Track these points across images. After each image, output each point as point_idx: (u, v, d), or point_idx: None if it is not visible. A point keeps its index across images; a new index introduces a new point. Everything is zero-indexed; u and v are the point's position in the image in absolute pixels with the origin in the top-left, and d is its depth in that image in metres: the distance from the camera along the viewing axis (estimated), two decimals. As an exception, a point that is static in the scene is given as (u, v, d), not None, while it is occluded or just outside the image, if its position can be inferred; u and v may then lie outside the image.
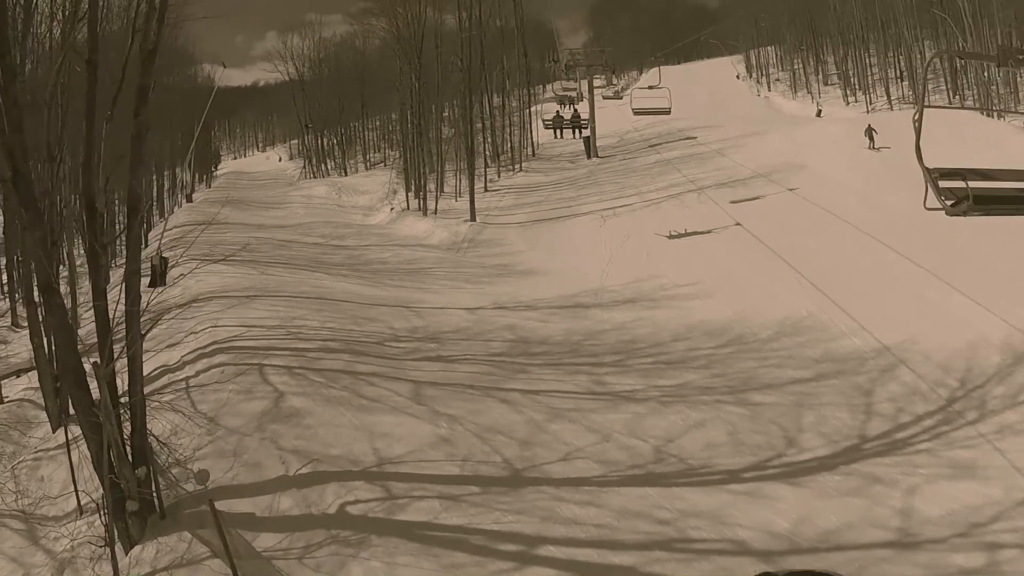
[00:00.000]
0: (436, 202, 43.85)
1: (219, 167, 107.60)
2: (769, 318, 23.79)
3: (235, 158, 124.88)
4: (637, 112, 43.62)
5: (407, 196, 47.50)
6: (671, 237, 33.60)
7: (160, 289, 31.00)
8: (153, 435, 16.55)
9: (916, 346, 21.28)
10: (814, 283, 25.36)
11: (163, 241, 45.27)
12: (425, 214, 43.15)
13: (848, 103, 69.66)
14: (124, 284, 15.92)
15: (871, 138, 41.09)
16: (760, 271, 27.51)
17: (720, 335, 22.92)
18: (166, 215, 61.51)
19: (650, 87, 41.25)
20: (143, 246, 40.29)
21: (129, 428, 15.09)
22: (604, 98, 55.93)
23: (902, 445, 16.80)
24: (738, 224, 33.20)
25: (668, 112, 43.62)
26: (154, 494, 14.91)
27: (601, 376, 20.15)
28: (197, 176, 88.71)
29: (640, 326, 23.88)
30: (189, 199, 66.57)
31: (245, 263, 33.40)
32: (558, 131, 52.20)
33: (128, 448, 14.83)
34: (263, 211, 54.43)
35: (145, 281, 32.67)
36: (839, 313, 23.39)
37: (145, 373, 22.48)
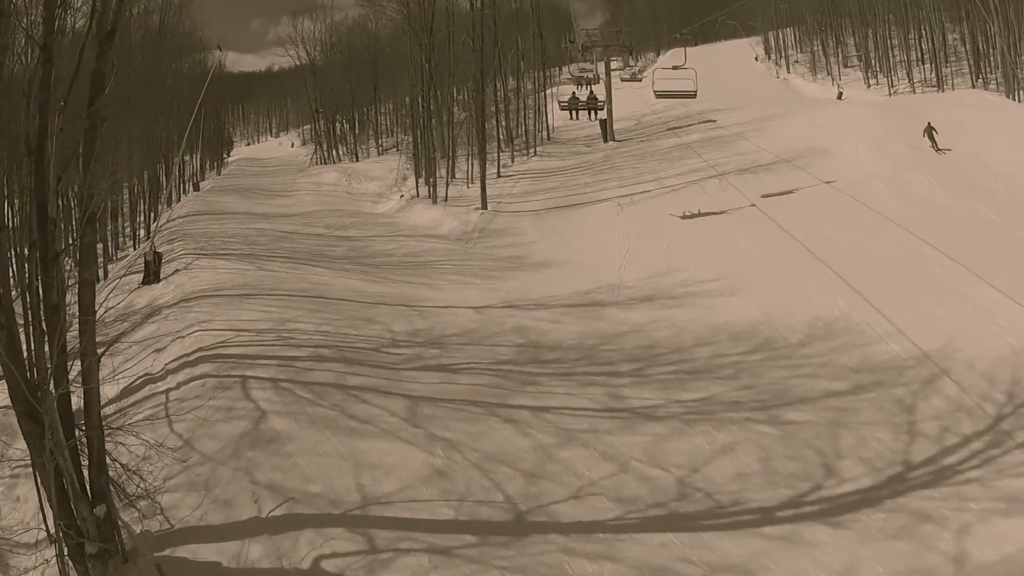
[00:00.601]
0: (447, 189, 41.63)
1: (231, 153, 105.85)
2: (799, 319, 21.63)
3: (248, 144, 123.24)
4: (659, 95, 39.51)
5: (416, 183, 45.28)
6: (684, 217, 32.25)
7: (147, 287, 29.75)
8: (120, 464, 14.67)
9: (958, 353, 19.29)
10: (845, 279, 23.27)
11: (164, 232, 43.74)
12: (435, 202, 40.96)
13: (869, 85, 66.87)
14: (78, 298, 13.77)
15: (932, 138, 35.51)
16: (787, 265, 25.36)
17: (747, 339, 20.76)
18: (173, 204, 59.54)
19: (674, 67, 37.36)
20: (150, 237, 38.77)
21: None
22: (622, 80, 53.38)
23: (950, 473, 14.89)
24: (753, 205, 31.66)
25: (694, 96, 39.19)
26: (116, 536, 12.96)
27: (618, 388, 18.05)
28: (209, 162, 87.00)
29: (660, 328, 21.72)
30: (196, 187, 64.57)
31: (244, 257, 31.51)
32: (574, 112, 49.55)
33: (87, 484, 12.89)
34: (270, 199, 52.43)
35: (138, 278, 31.30)
36: (874, 314, 21.29)
37: (127, 382, 20.83)
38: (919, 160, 34.29)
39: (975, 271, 22.93)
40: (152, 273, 30.48)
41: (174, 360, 20.60)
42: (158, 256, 31.24)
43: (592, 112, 48.98)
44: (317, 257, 31.65)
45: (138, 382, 20.15)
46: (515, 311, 23.80)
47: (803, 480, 14.47)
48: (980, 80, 55.00)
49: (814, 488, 14.28)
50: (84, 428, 13.33)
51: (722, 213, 32.23)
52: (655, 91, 38.28)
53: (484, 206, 37.73)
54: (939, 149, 34.28)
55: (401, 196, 45.64)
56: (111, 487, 13.46)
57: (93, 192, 13.95)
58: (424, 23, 41.87)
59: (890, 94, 61.25)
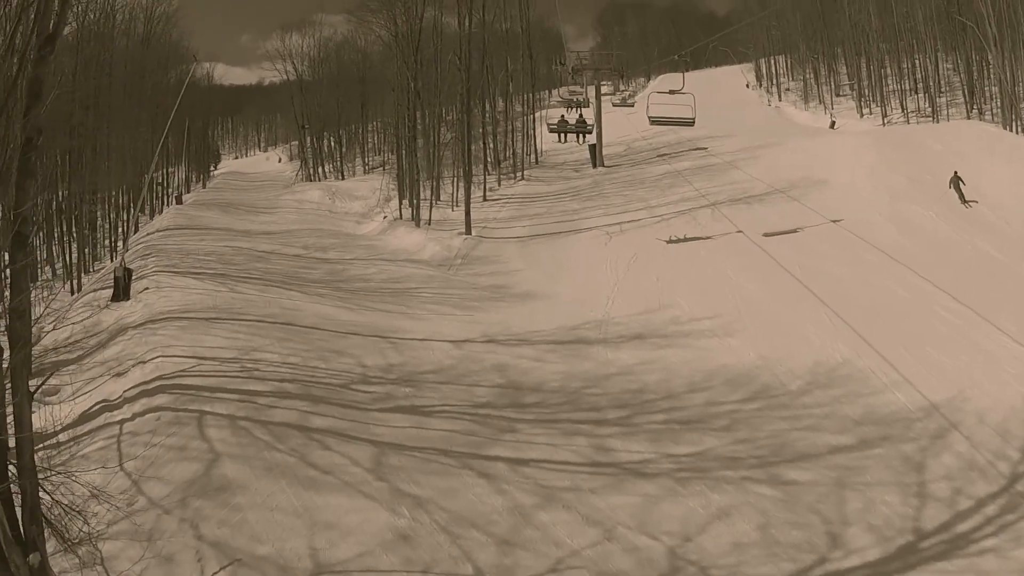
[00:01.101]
0: (430, 212, 40.04)
1: (219, 166, 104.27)
2: (799, 364, 20.15)
3: (236, 157, 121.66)
4: (654, 121, 36.01)
5: (400, 204, 43.68)
6: (670, 242, 31.47)
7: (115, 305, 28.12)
8: (63, 505, 13.04)
9: (968, 404, 17.88)
10: (847, 320, 21.86)
11: (140, 246, 42.06)
12: (418, 225, 39.37)
13: (862, 115, 65.78)
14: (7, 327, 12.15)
15: (958, 189, 31.80)
16: (785, 303, 23.95)
17: (743, 385, 19.23)
18: (154, 217, 57.90)
19: (671, 92, 34.44)
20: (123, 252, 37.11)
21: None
22: (613, 105, 52.04)
23: (964, 543, 13.45)
24: (740, 232, 30.97)
25: (691, 123, 36.39)
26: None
27: (604, 439, 16.48)
28: (195, 175, 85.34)
29: (650, 371, 20.16)
30: (180, 200, 62.82)
31: (216, 277, 29.92)
32: (562, 135, 48.20)
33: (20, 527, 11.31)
34: (251, 215, 50.77)
35: (108, 293, 29.68)
36: (877, 360, 19.90)
37: (84, 408, 19.20)
38: (917, 192, 33.05)
39: (982, 314, 21.58)
40: (121, 290, 28.92)
41: (133, 387, 19.09)
42: (128, 272, 29.64)
43: (580, 136, 47.72)
44: (292, 280, 30.04)
45: (95, 408, 18.69)
46: (496, 347, 22.24)
47: (807, 551, 12.95)
48: (975, 110, 53.91)
49: (819, 561, 12.77)
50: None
51: (708, 239, 31.37)
52: (650, 117, 35.45)
53: (468, 231, 36.22)
54: (966, 201, 31.37)
55: (384, 217, 44.07)
56: (51, 529, 11.97)
57: (24, 213, 12.36)
58: (411, 40, 40.34)
59: (884, 123, 60.18)
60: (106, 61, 50.79)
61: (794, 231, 29.83)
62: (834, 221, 30.02)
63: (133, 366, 20.45)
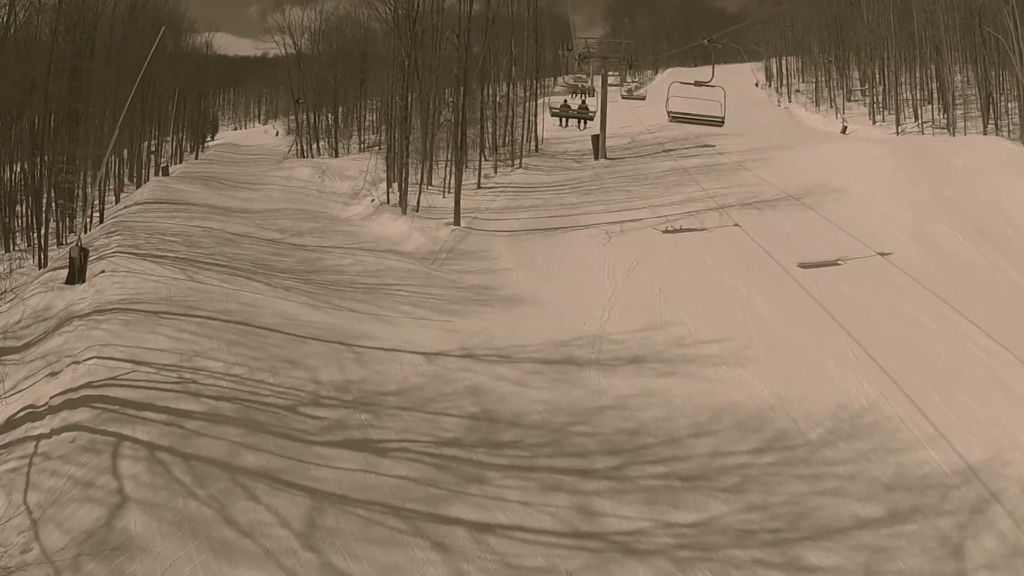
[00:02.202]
0: (419, 198, 36.83)
1: (216, 137, 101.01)
2: (819, 406, 17.14)
3: (235, 128, 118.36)
4: (674, 118, 28.44)
5: (388, 188, 40.45)
6: (666, 233, 30.04)
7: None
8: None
9: (1008, 468, 14.93)
10: (871, 353, 18.91)
11: (110, 222, 38.88)
12: (404, 211, 36.16)
13: (875, 122, 62.69)
14: None
15: None
16: (801, 328, 20.95)
17: (756, 431, 16.21)
18: (131, 190, 54.75)
19: (696, 83, 27.81)
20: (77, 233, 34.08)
21: None
22: (622, 97, 48.73)
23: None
24: (736, 225, 29.22)
25: (720, 123, 29.09)
26: None
27: (590, 498, 13.47)
28: (189, 146, 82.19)
29: (648, 405, 17.13)
30: (165, 172, 59.49)
31: (180, 261, 26.86)
32: (563, 120, 46.18)
33: None
34: (235, 191, 47.60)
35: (64, 274, 26.66)
36: (906, 405, 16.95)
37: (12, 412, 16.31)
38: (940, 209, 30.07)
39: (1018, 355, 18.61)
40: (77, 271, 25.87)
41: (60, 394, 16.11)
42: (84, 253, 26.50)
43: (582, 121, 45.57)
44: (260, 268, 26.95)
45: (21, 415, 15.76)
46: (473, 363, 19.19)
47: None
48: (992, 125, 50.98)
49: None
50: None
51: (703, 230, 29.73)
52: (669, 112, 28.21)
53: (457, 222, 33.12)
54: None
55: (372, 201, 40.91)
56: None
57: None
58: (410, 12, 36.98)
59: (897, 132, 57.13)
60: (88, 25, 47.71)
61: (835, 263, 25.50)
62: (882, 254, 25.85)
63: (68, 365, 17.55)
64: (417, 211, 36.15)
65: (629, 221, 31.96)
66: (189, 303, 21.96)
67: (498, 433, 15.59)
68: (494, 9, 49.63)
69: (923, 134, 55.98)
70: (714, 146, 46.73)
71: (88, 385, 16.29)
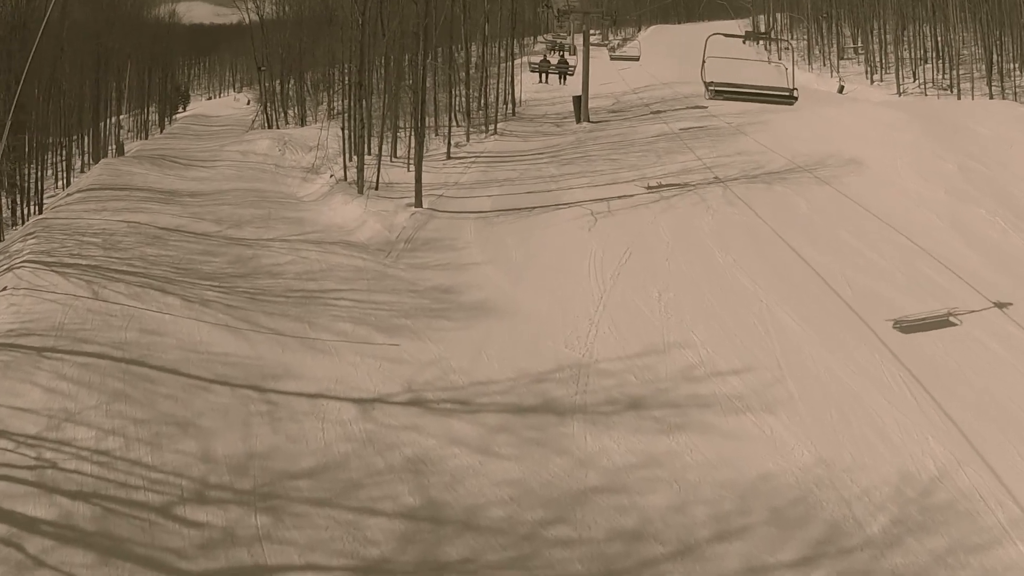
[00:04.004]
0: (378, 174, 31.25)
1: (188, 108, 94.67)
2: (877, 475, 12.25)
3: (209, 98, 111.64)
4: (718, 93, 18.94)
5: (344, 163, 34.82)
6: (649, 189, 27.11)
7: None
8: None
9: None
10: (928, 388, 13.89)
11: (36, 219, 33.47)
12: (361, 191, 30.62)
13: (872, 82, 57.14)
14: None
15: None
16: (838, 350, 15.95)
17: (799, 524, 11.25)
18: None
19: (748, 35, 23.63)
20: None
21: None
22: (611, 58, 42.83)
23: None
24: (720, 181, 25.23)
25: (791, 100, 19.63)
26: None
27: None
28: (157, 119, 76.27)
29: (653, 485, 12.08)
30: (120, 151, 53.62)
31: (91, 270, 21.70)
32: (543, 76, 42.83)
33: None
34: (185, 171, 41.92)
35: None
36: (983, 472, 11.99)
37: None
38: (973, 188, 24.97)
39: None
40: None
41: None
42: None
43: (562, 77, 42.11)
44: (181, 275, 21.70)
45: None
46: (420, 415, 14.09)
47: None
48: (998, 87, 45.70)
49: None
50: None
51: (686, 186, 26.72)
52: (710, 85, 18.52)
53: (418, 203, 27.71)
54: None
55: (331, 176, 35.41)
56: None
57: None
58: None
59: (899, 94, 51.67)
60: None
61: (946, 318, 16.97)
62: (999, 305, 17.22)
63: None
64: (376, 189, 30.68)
65: (617, 198, 26.69)
66: (82, 334, 16.86)
67: (443, 547, 10.51)
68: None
69: (926, 96, 50.58)
70: (706, 107, 41.25)
71: None
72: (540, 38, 67.66)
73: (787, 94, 19.25)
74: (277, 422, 13.67)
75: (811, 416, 13.75)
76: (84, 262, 22.69)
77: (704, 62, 17.80)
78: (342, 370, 15.74)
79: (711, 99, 19.02)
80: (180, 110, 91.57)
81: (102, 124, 59.15)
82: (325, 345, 17.03)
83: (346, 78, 41.16)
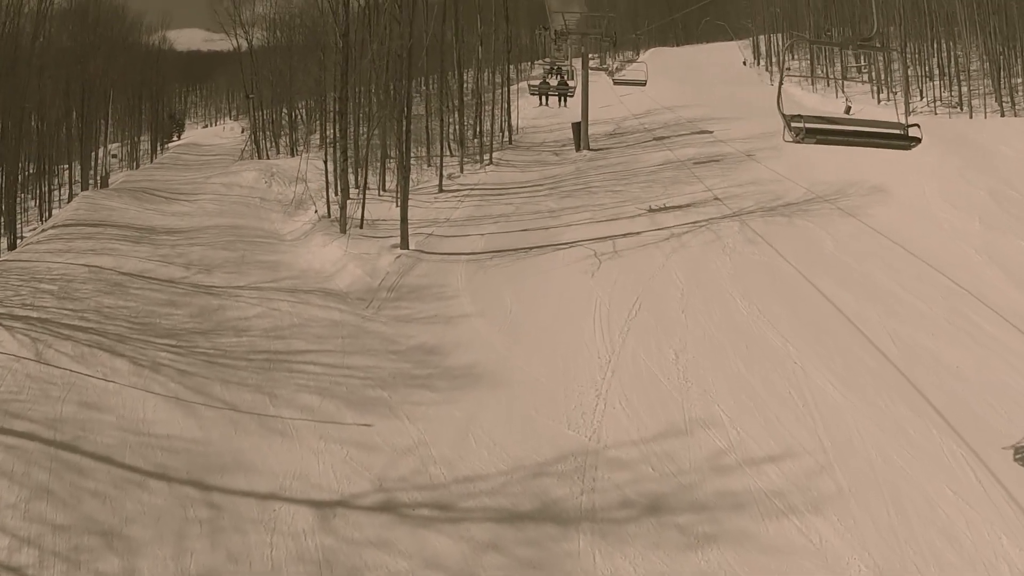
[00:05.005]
0: (362, 212, 28.50)
1: (183, 136, 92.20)
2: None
3: (205, 126, 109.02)
4: (809, 133, 11.90)
5: (327, 198, 32.13)
6: (651, 211, 25.81)
7: None
8: None
9: None
10: (997, 475, 11.22)
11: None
12: (344, 229, 27.90)
13: (879, 101, 54.55)
14: None
15: None
16: (889, 425, 13.25)
17: None
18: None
19: (858, 45, 16.73)
20: None
21: None
22: (615, 83, 40.22)
23: None
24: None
25: (907, 145, 13.04)
26: None
27: None
28: (152, 146, 73.81)
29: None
30: (104, 183, 51.01)
31: (39, 324, 19.08)
32: (543, 98, 39.68)
33: None
34: (166, 205, 39.32)
35: None
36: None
37: None
38: (1007, 215, 22.23)
39: None
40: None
41: None
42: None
43: (563, 99, 38.80)
44: (135, 332, 19.02)
45: None
46: (391, 525, 11.35)
47: None
48: (1008, 103, 43.16)
49: None
50: None
51: (689, 206, 25.22)
52: (794, 123, 12.02)
53: (404, 244, 25.01)
54: None
55: (316, 211, 32.76)
56: None
57: None
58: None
59: (908, 113, 48.84)
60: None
61: None
62: None
63: None
64: (361, 227, 27.97)
65: (622, 236, 24.01)
66: (15, 406, 14.36)
67: None
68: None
69: (936, 115, 47.97)
70: (712, 132, 38.83)
71: None
72: (538, 62, 65.37)
73: (903, 135, 12.87)
74: (218, 533, 10.97)
75: (866, 516, 11.02)
76: (35, 314, 20.06)
77: (781, 84, 12.95)
78: (302, 461, 13.01)
79: (796, 140, 12.11)
80: (175, 138, 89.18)
81: (93, 153, 56.92)
82: (285, 425, 14.30)
83: (335, 105, 38.62)
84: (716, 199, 26.46)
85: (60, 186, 52.33)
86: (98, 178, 52.33)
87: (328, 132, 41.14)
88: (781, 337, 16.30)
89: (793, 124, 11.81)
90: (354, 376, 16.37)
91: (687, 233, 23.42)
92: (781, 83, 13.14)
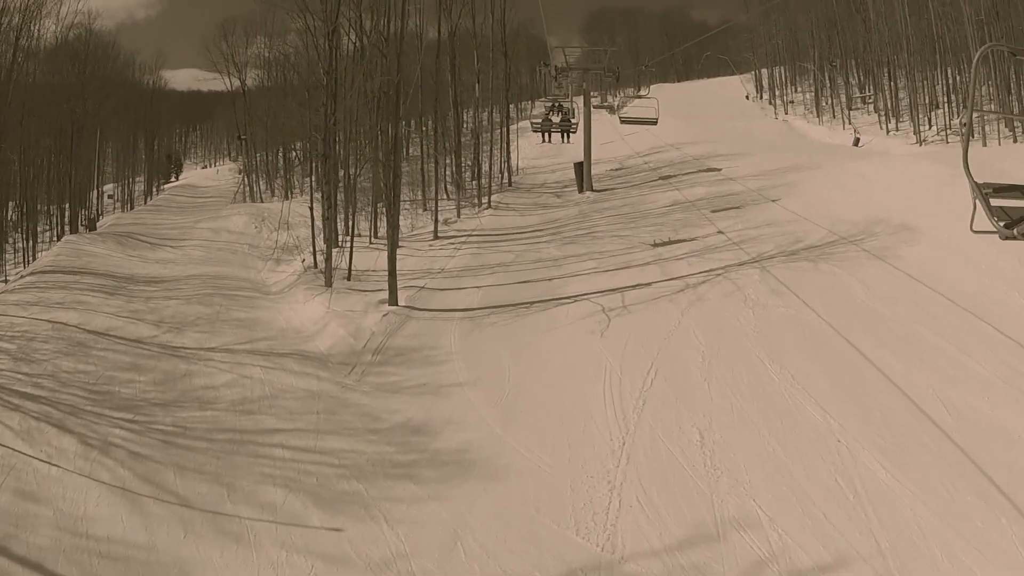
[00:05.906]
0: (350, 263, 26.35)
1: (180, 176, 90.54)
2: None
3: (204, 167, 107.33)
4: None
5: (313, 247, 29.97)
6: (656, 245, 25.08)
7: None
8: None
9: None
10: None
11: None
12: (328, 283, 25.71)
13: (888, 131, 52.75)
14: None
15: None
16: (955, 516, 11.08)
17: None
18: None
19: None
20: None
21: None
22: (622, 121, 38.07)
23: None
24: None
25: None
26: None
27: None
28: (148, 187, 72.08)
29: None
30: (91, 226, 49.02)
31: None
32: (546, 136, 38.74)
33: None
34: (151, 251, 37.25)
35: None
36: None
37: None
38: (1044, 252, 19.94)
39: None
40: None
41: None
42: None
43: (565, 135, 37.23)
44: (90, 403, 16.89)
45: None
46: None
47: None
48: (1019, 129, 41.44)
49: None
50: None
51: (693, 240, 24.07)
52: (986, 196, 10.83)
53: (393, 300, 22.79)
54: None
55: (303, 261, 30.61)
56: None
57: None
58: (327, 18, 26.31)
59: (919, 143, 47.15)
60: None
61: None
62: None
63: None
64: (348, 279, 25.77)
65: (631, 288, 21.81)
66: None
67: None
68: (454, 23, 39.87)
69: (948, 143, 46.05)
70: (720, 169, 36.79)
71: None
72: (539, 100, 63.79)
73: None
74: None
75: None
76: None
77: (967, 143, 10.19)
78: (256, 578, 10.70)
79: (1005, 234, 9.43)
80: (173, 179, 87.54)
81: (90, 194, 55.12)
82: (242, 527, 12.03)
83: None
84: (733, 243, 24.28)
85: (51, 228, 50.49)
86: (87, 220, 50.25)
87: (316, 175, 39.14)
88: (820, 409, 14.01)
89: (985, 198, 9.27)
90: (327, 463, 14.09)
91: (703, 283, 21.20)
92: (967, 142, 10.06)
